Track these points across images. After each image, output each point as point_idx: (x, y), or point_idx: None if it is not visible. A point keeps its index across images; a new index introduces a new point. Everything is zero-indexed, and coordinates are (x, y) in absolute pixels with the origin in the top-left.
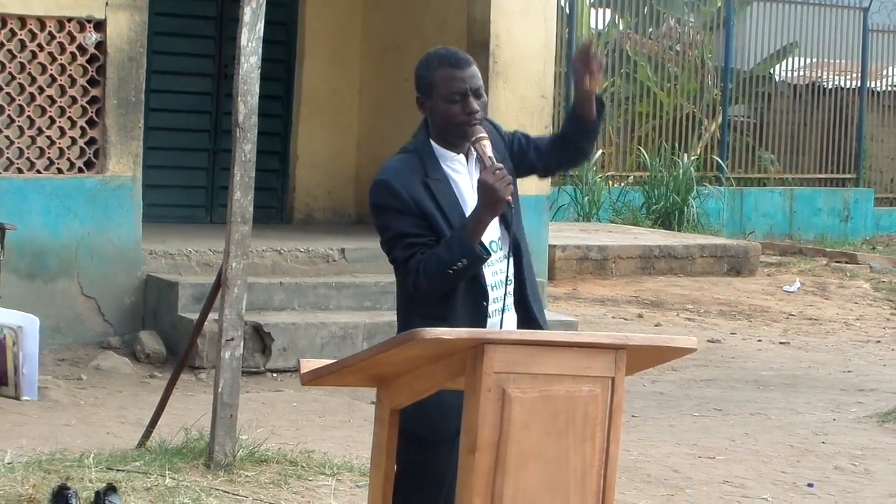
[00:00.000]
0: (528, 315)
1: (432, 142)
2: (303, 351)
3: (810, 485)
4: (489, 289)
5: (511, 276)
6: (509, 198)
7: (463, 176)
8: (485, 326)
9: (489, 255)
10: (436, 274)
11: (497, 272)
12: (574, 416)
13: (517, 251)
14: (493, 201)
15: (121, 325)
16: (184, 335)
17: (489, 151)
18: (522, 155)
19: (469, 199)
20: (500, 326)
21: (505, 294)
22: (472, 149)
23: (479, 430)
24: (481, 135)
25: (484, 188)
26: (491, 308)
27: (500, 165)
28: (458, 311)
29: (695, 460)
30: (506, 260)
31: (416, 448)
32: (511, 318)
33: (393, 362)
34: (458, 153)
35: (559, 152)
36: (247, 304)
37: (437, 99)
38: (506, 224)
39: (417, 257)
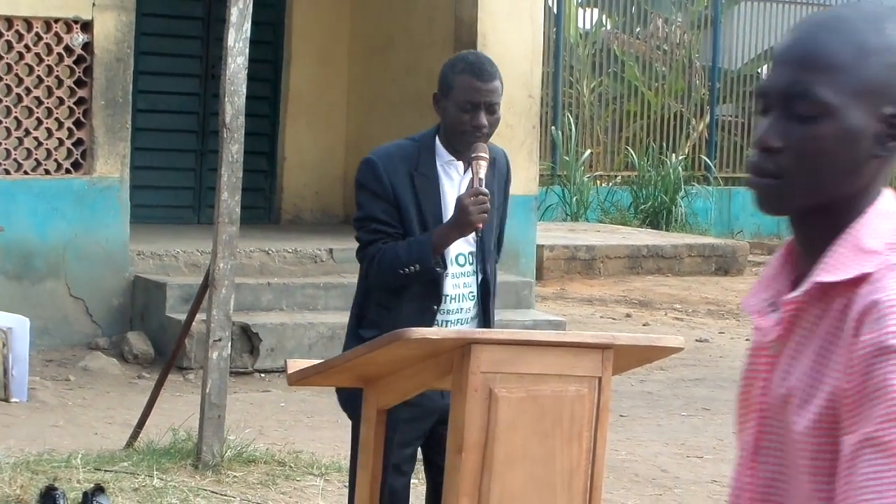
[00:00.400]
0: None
1: (437, 139)
2: (291, 351)
3: None
4: (445, 297)
5: (471, 293)
6: (479, 225)
7: (454, 182)
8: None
9: (443, 269)
10: (388, 268)
11: (461, 285)
12: (561, 416)
13: (485, 272)
14: (463, 222)
15: (108, 325)
16: (172, 336)
17: (482, 173)
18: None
19: (451, 205)
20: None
21: (468, 308)
22: (470, 163)
23: (466, 430)
24: (483, 154)
25: (459, 207)
26: (443, 317)
27: (486, 191)
28: (408, 305)
29: (683, 460)
30: (472, 276)
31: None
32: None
33: (379, 362)
34: (459, 159)
35: None
36: (234, 304)
37: (451, 102)
38: (481, 246)
39: (378, 245)
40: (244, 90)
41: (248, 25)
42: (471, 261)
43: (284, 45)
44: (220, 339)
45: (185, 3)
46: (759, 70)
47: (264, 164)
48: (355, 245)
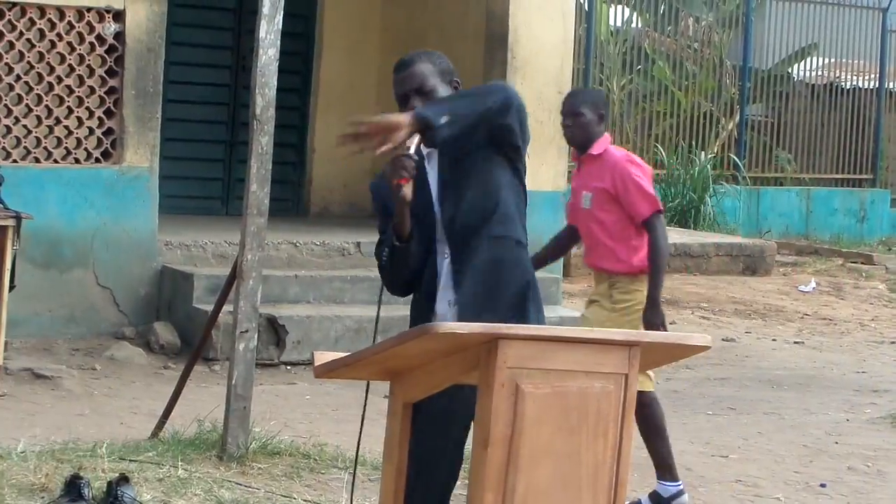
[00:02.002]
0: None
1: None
2: (317, 344)
3: (823, 485)
4: (438, 282)
5: (442, 274)
6: (400, 181)
7: (432, 176)
8: (430, 317)
9: (402, 243)
10: (380, 266)
11: (441, 253)
12: (587, 413)
13: (457, 250)
14: (388, 185)
15: (135, 315)
16: (198, 327)
17: (411, 143)
18: (489, 136)
19: (435, 196)
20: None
21: (447, 290)
22: None
23: (492, 425)
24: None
25: (384, 175)
26: (438, 304)
27: (409, 153)
28: (419, 299)
29: (708, 459)
30: (448, 258)
31: None
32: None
33: (407, 356)
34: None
35: None
36: (261, 296)
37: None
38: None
39: (378, 253)
40: (275, 82)
41: (279, 17)
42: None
43: (316, 37)
44: (246, 331)
45: None
46: (790, 70)
47: (293, 156)
48: None
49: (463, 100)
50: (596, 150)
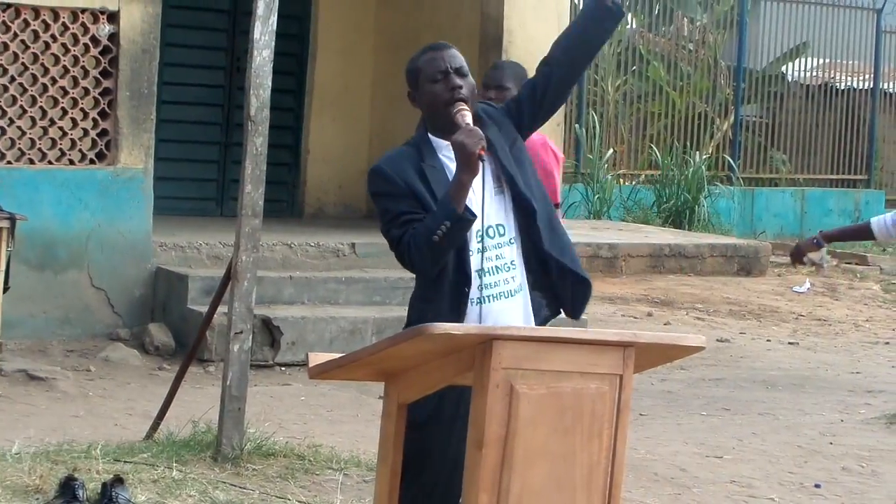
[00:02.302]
0: (554, 294)
1: (429, 134)
2: (312, 345)
3: (817, 485)
4: (478, 274)
5: (510, 262)
6: (481, 151)
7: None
8: (465, 311)
9: (473, 216)
10: (423, 243)
11: (494, 258)
12: (581, 413)
13: (527, 233)
14: (465, 157)
15: (130, 316)
16: (193, 328)
17: (467, 119)
18: (529, 92)
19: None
20: (480, 315)
21: (508, 279)
22: (454, 119)
23: (487, 426)
24: (462, 107)
25: (455, 146)
26: (485, 293)
27: (473, 127)
28: (445, 295)
29: (702, 459)
30: (508, 246)
31: (409, 430)
32: (514, 304)
33: (401, 357)
34: (441, 139)
35: (576, 38)
36: (256, 297)
37: (424, 83)
38: (515, 199)
39: (410, 232)
40: (269, 83)
41: (274, 18)
42: (501, 232)
43: (310, 38)
44: (241, 332)
45: None
46: (784, 69)
47: (288, 158)
48: (377, 239)
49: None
50: None
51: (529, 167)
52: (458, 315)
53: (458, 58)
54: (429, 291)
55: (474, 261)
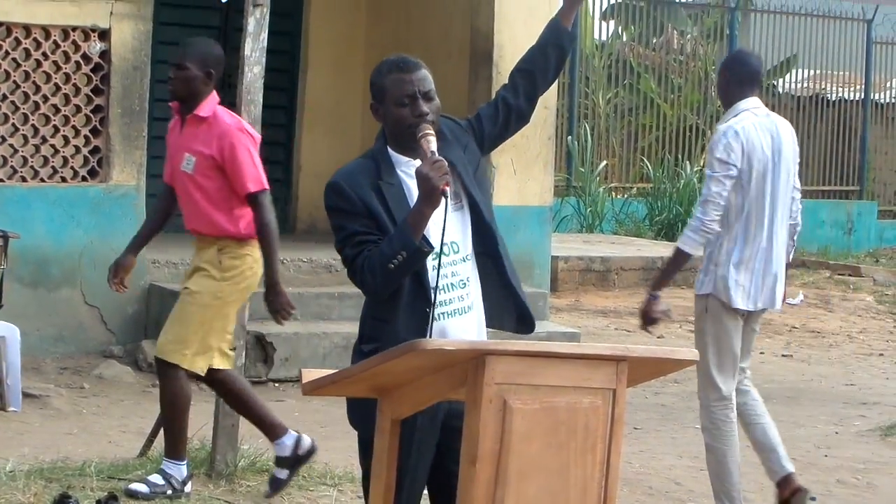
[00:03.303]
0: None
1: (389, 148)
2: (305, 361)
3: (813, 498)
4: (437, 291)
5: (465, 280)
6: (444, 187)
7: (416, 181)
8: (427, 329)
9: (430, 248)
10: (378, 269)
11: (449, 275)
12: (575, 428)
13: (487, 251)
14: (428, 190)
15: (123, 334)
16: None
17: (432, 146)
18: (491, 116)
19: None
20: (433, 331)
21: (461, 296)
22: (418, 145)
23: (481, 441)
24: (427, 131)
25: (420, 178)
26: (438, 311)
27: (440, 158)
28: (402, 313)
29: (697, 473)
30: (463, 263)
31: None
32: (468, 321)
33: (394, 373)
34: (414, 158)
35: (535, 63)
36: (249, 313)
37: (389, 103)
38: (475, 223)
39: (364, 254)
40: (261, 99)
41: (264, 35)
42: (456, 249)
43: (301, 54)
44: (234, 349)
45: (202, 12)
46: (775, 83)
47: (280, 174)
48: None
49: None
50: (203, 111)
51: (487, 188)
52: (416, 332)
53: (426, 80)
54: (382, 309)
55: (430, 277)
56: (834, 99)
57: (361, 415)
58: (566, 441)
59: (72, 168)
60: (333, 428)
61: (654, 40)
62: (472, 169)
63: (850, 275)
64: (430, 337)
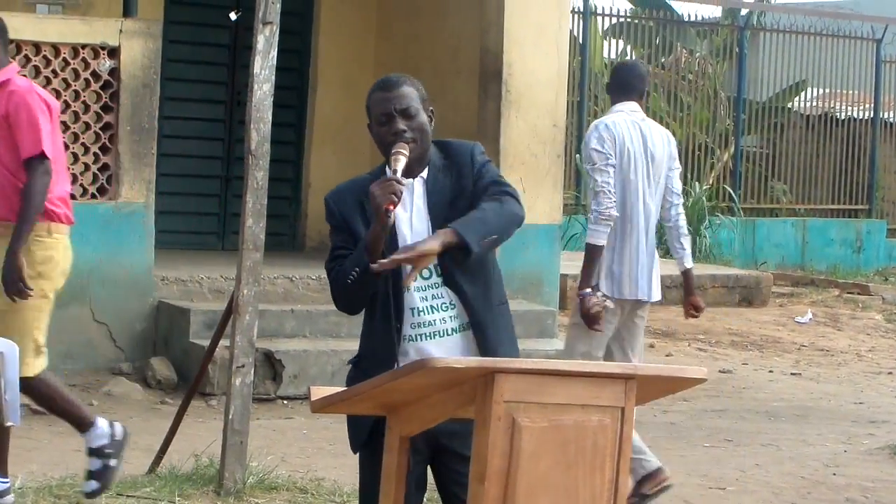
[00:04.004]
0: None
1: (386, 166)
2: (314, 378)
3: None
4: (412, 312)
5: (452, 303)
6: (389, 206)
7: (404, 202)
8: (397, 346)
9: (366, 268)
10: (340, 283)
11: (429, 297)
12: (584, 446)
13: (458, 277)
14: (374, 208)
15: (132, 351)
16: (195, 362)
17: (397, 165)
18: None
19: (406, 222)
20: (415, 353)
21: (444, 318)
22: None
23: (489, 459)
24: (400, 150)
25: (370, 195)
26: (417, 332)
27: (394, 178)
28: (377, 332)
29: (705, 491)
30: (445, 287)
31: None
32: (451, 343)
33: (403, 390)
34: (407, 177)
35: None
36: (258, 330)
37: (373, 122)
38: (451, 255)
39: (336, 268)
40: (270, 117)
41: (274, 53)
42: (437, 272)
43: (310, 72)
44: (243, 366)
45: (212, 30)
46: (790, 105)
47: (289, 191)
48: None
49: (495, 221)
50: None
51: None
52: (390, 351)
53: (406, 98)
54: (366, 326)
55: (408, 298)
56: (843, 118)
57: (351, 430)
58: (575, 459)
59: (81, 185)
60: (342, 445)
61: (664, 59)
62: (453, 195)
63: (859, 293)
64: (407, 357)
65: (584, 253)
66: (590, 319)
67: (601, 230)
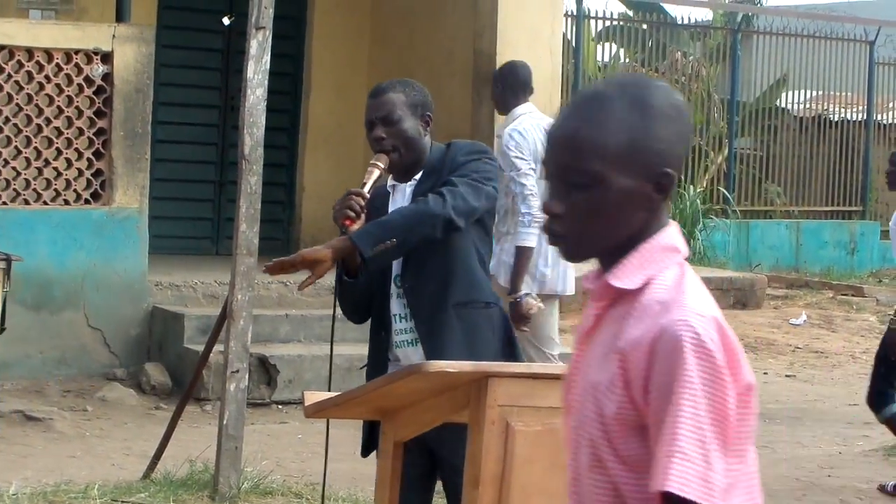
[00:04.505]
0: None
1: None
2: (308, 383)
3: None
4: (394, 318)
5: (401, 314)
6: (345, 222)
7: (396, 202)
8: (386, 355)
9: (350, 279)
10: (336, 291)
11: (399, 306)
12: None
13: (414, 286)
14: (334, 222)
15: (126, 356)
16: (189, 367)
17: (369, 178)
18: None
19: None
20: (401, 359)
21: (406, 328)
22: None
23: (483, 464)
24: (376, 161)
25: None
26: (398, 338)
27: (361, 192)
28: (371, 335)
29: None
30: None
31: None
32: (415, 355)
33: (397, 395)
34: (402, 182)
35: None
36: (252, 335)
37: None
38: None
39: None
40: (263, 121)
41: (267, 57)
42: (399, 282)
43: (304, 76)
44: (237, 371)
45: (205, 35)
46: (777, 103)
47: (283, 195)
48: None
49: (398, 224)
50: None
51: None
52: (380, 356)
53: (386, 105)
54: (369, 332)
55: (392, 305)
56: (837, 120)
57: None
58: None
59: (74, 191)
60: (337, 450)
61: (656, 62)
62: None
63: (853, 295)
64: (389, 363)
65: (517, 256)
66: (519, 321)
67: (533, 233)
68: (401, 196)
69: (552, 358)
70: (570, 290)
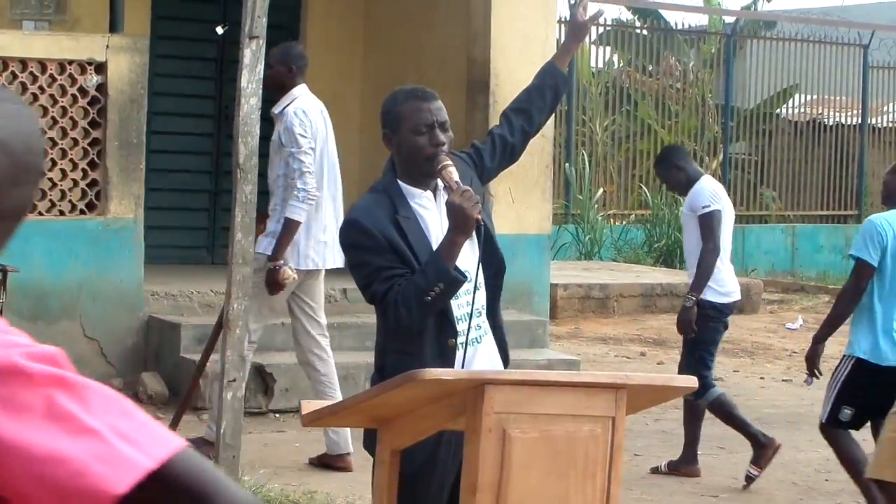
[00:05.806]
0: (500, 346)
1: (399, 181)
2: (305, 391)
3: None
4: (456, 322)
5: (480, 308)
6: (478, 216)
7: (431, 213)
8: (453, 361)
9: (465, 278)
10: (414, 302)
11: (463, 304)
12: (575, 457)
13: (494, 280)
14: (462, 221)
15: (123, 366)
16: (186, 376)
17: (455, 177)
18: (489, 151)
19: (437, 236)
20: (464, 361)
21: (471, 327)
22: (439, 177)
23: (480, 471)
24: (446, 162)
25: (452, 209)
26: (461, 340)
27: (467, 188)
28: (427, 346)
29: (698, 499)
30: (476, 291)
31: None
32: (482, 350)
33: (393, 403)
34: (425, 190)
35: (532, 103)
36: (249, 344)
37: (405, 131)
38: (486, 251)
39: (395, 289)
40: (258, 130)
41: (261, 67)
42: (469, 278)
43: None
44: (234, 380)
45: (199, 44)
46: (778, 111)
47: None
48: None
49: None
50: None
51: (490, 218)
52: (443, 364)
53: (443, 111)
54: (407, 342)
55: (454, 308)
56: (831, 124)
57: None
58: (566, 470)
59: (70, 201)
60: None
61: (651, 67)
62: (482, 199)
63: None
64: (463, 368)
65: (284, 228)
66: (273, 286)
67: (305, 208)
68: (431, 205)
69: (323, 329)
70: (331, 264)
